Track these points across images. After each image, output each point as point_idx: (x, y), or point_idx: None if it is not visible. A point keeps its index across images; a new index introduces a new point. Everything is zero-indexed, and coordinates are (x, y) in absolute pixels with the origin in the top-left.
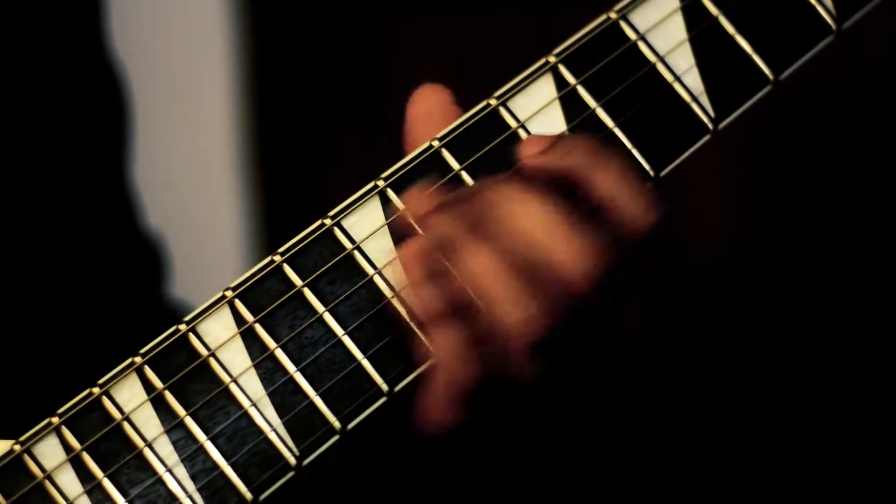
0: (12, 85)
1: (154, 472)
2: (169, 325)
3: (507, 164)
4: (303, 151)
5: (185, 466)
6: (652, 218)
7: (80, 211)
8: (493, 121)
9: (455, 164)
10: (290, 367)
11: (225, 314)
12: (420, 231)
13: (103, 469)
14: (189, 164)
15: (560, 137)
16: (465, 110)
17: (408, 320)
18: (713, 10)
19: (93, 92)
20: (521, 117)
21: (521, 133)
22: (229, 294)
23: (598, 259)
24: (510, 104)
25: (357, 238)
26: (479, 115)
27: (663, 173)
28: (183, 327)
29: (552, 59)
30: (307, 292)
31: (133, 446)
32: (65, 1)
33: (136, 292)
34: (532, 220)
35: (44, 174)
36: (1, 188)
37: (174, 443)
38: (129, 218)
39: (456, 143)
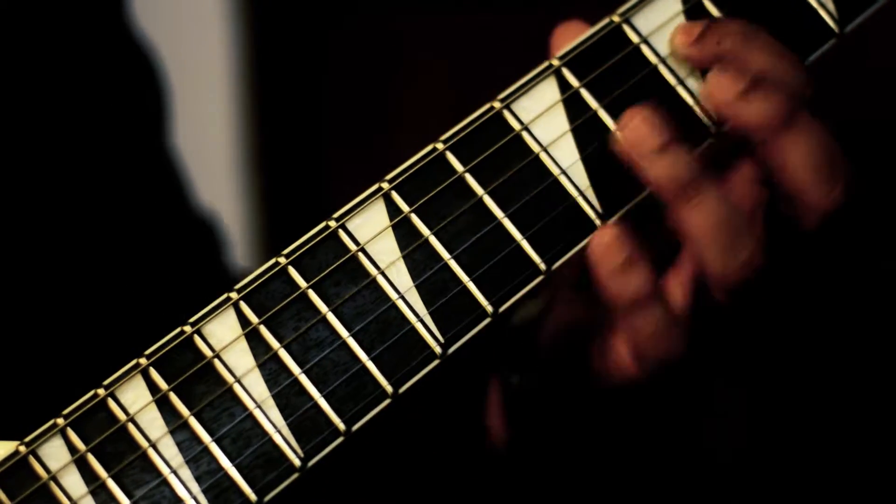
0: (42, 73)
1: (159, 474)
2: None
3: (510, 165)
4: (304, 152)
5: (190, 468)
6: (811, 84)
7: (127, 194)
8: (496, 123)
9: (459, 167)
10: (295, 368)
11: (230, 316)
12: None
13: (108, 470)
14: (190, 165)
15: (709, 24)
16: (467, 112)
17: (413, 321)
18: (715, 12)
19: (125, 70)
20: (525, 120)
21: (525, 135)
22: (234, 296)
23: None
24: (514, 107)
25: (362, 240)
26: (483, 118)
27: None
28: (188, 329)
29: (556, 62)
30: (312, 294)
31: (138, 447)
32: None
33: (197, 269)
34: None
35: (79, 161)
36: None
37: (179, 444)
38: (180, 196)
39: (460, 145)
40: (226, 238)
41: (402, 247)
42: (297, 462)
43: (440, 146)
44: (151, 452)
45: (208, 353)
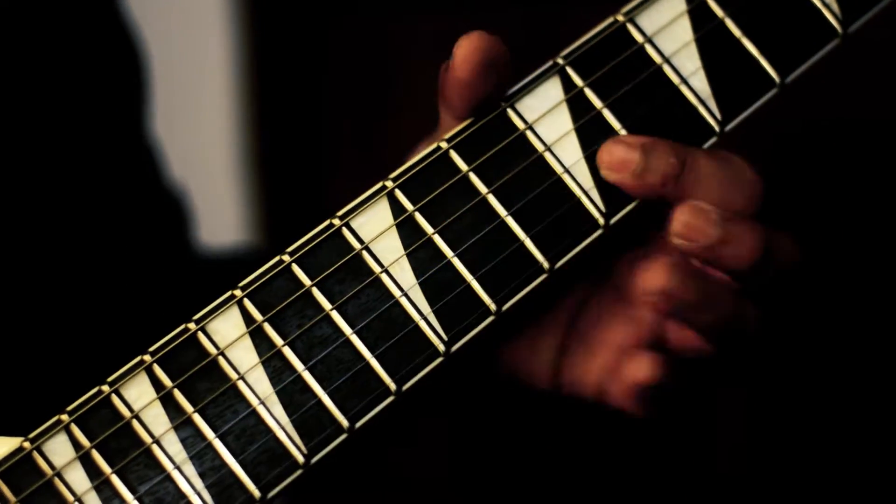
0: (26, 48)
1: (163, 470)
2: (198, 276)
3: (514, 163)
4: (304, 151)
5: (194, 464)
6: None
7: (97, 172)
8: (501, 122)
9: (463, 166)
10: (299, 365)
11: (234, 313)
12: None
13: (112, 466)
14: (189, 164)
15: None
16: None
17: (416, 319)
18: (719, 12)
19: (105, 46)
20: (529, 119)
21: (529, 134)
22: (238, 293)
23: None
24: (518, 106)
25: (366, 238)
26: (488, 117)
27: None
28: (192, 326)
29: (560, 61)
30: (316, 292)
31: (142, 443)
32: None
33: (165, 246)
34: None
35: (57, 137)
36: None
37: (183, 440)
38: (150, 173)
39: (464, 144)
40: (192, 213)
41: (405, 245)
42: (300, 459)
43: (444, 145)
44: (155, 448)
45: (212, 350)
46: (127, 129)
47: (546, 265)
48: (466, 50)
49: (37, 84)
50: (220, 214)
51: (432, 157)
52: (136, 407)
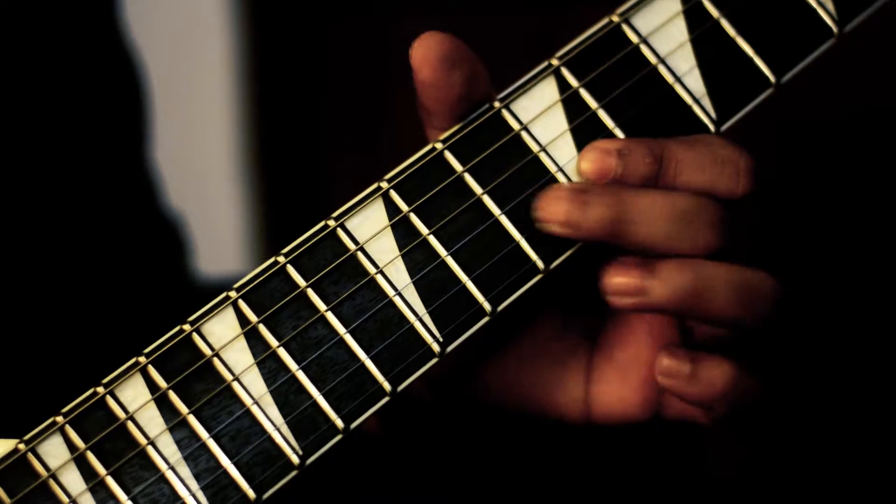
0: (27, 68)
1: (157, 471)
2: (198, 302)
3: (509, 164)
4: (304, 152)
5: (189, 465)
6: (747, 183)
7: (96, 198)
8: (496, 123)
9: (458, 167)
10: (293, 366)
11: (229, 315)
12: None
13: (107, 467)
14: (189, 164)
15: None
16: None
17: (411, 319)
18: (714, 12)
19: (107, 72)
20: (524, 119)
21: (524, 135)
22: (233, 294)
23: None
24: (513, 106)
25: (361, 239)
26: (483, 118)
27: None
28: (187, 327)
29: (555, 61)
30: (311, 293)
31: (137, 445)
32: None
33: (160, 273)
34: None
35: (56, 159)
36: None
37: (178, 441)
38: (148, 199)
39: (459, 145)
40: (189, 241)
41: (400, 246)
42: (295, 460)
43: (439, 146)
44: (150, 450)
45: (207, 351)
46: (125, 155)
47: (541, 265)
48: (420, 51)
49: (34, 106)
50: (220, 215)
51: (427, 158)
52: (131, 408)
